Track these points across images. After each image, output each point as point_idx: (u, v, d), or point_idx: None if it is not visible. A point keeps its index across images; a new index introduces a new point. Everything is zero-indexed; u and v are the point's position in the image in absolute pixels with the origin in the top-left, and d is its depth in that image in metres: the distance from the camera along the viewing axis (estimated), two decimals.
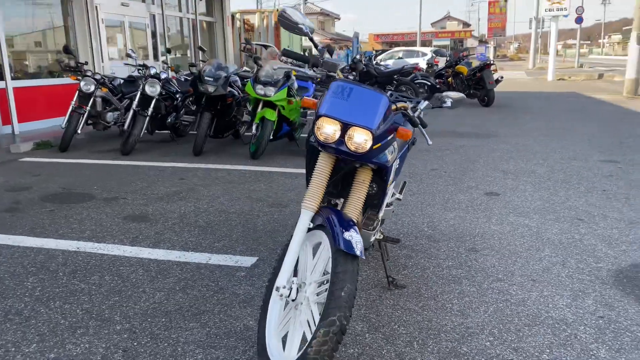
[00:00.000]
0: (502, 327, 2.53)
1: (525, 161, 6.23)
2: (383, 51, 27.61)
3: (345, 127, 2.00)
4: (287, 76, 6.38)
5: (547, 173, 5.61)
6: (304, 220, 2.12)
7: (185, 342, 2.39)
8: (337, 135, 2.01)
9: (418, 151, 6.85)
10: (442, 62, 16.47)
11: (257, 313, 2.66)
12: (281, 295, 2.06)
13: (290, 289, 2.06)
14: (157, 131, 7.83)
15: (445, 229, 3.90)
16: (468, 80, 12.31)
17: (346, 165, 2.24)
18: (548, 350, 2.32)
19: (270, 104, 6.28)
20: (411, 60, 18.56)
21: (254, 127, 6.34)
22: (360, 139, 1.99)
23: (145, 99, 6.80)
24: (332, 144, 2.03)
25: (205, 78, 6.38)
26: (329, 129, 2.01)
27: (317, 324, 1.87)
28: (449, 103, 2.31)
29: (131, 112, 6.87)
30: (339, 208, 2.45)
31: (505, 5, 36.78)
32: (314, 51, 18.48)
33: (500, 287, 2.95)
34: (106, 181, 5.42)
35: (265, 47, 15.24)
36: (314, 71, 2.40)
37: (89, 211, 4.40)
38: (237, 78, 7.21)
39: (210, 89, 6.35)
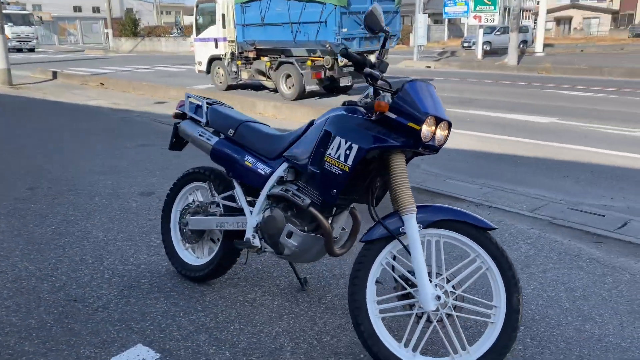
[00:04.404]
0: None
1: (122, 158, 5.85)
2: None
3: (437, 123, 2.09)
4: None
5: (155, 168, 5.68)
6: (414, 224, 2.09)
7: None
8: (432, 132, 2.08)
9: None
10: None
11: None
12: (443, 304, 2.07)
13: (445, 293, 2.08)
14: None
15: None
16: None
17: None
18: None
19: None
20: None
21: None
22: (446, 133, 2.14)
23: None
24: (430, 142, 2.09)
25: None
26: (430, 128, 2.07)
27: (503, 294, 2.04)
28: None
29: None
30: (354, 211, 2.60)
31: None
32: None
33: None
34: None
35: None
36: (379, 72, 2.15)
37: None
38: None
39: None
